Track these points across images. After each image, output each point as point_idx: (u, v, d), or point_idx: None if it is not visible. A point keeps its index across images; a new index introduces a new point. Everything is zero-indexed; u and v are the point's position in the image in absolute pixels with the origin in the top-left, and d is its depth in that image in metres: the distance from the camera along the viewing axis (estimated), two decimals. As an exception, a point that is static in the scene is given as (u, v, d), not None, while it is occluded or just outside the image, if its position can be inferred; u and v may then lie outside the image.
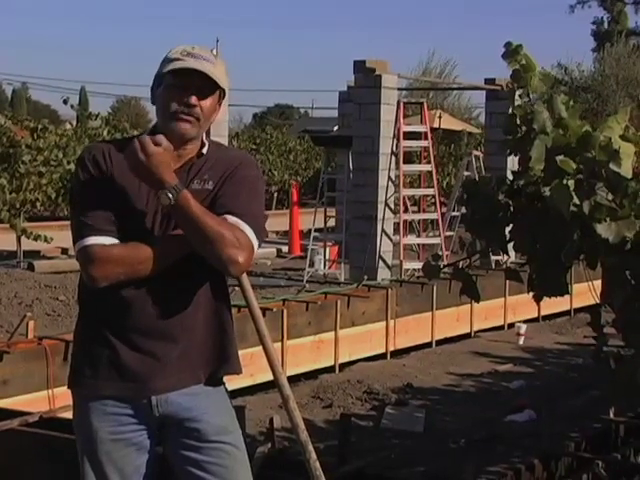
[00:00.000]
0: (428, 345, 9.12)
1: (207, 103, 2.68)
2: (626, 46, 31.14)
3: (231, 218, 2.61)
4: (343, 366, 8.14)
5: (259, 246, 2.67)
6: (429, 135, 12.43)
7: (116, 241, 2.62)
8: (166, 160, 2.60)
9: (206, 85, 2.66)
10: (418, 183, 13.81)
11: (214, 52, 2.79)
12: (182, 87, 2.65)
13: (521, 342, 9.47)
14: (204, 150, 2.74)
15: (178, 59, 2.66)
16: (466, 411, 6.86)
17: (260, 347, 2.83)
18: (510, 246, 3.62)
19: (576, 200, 3.21)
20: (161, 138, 2.61)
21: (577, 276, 3.95)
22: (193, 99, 2.65)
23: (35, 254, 14.01)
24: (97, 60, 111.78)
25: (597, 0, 42.51)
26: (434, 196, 12.69)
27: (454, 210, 13.77)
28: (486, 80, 13.73)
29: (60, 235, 12.85)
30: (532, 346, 9.38)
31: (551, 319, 10.77)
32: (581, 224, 3.25)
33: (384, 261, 11.62)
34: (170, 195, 2.57)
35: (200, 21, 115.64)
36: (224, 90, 2.73)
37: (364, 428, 6.27)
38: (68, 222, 2.78)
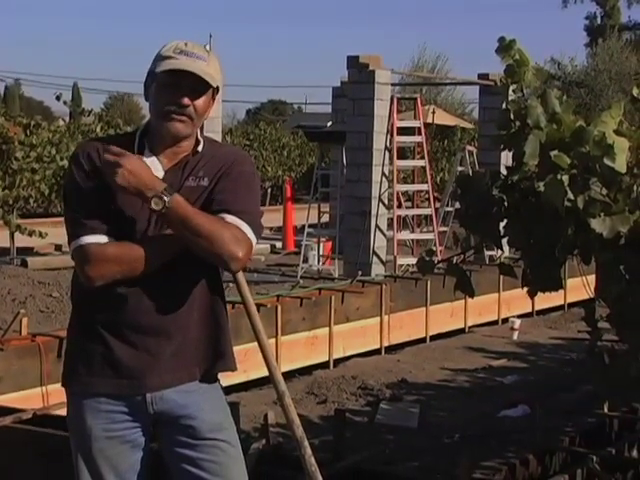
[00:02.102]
0: (422, 340, 9.13)
1: (200, 102, 2.66)
2: (619, 41, 31.20)
3: (228, 217, 2.60)
4: (337, 362, 8.14)
5: (257, 242, 2.67)
6: (423, 130, 12.43)
7: (111, 239, 2.61)
8: (139, 167, 2.58)
9: (199, 84, 2.64)
10: (412, 178, 13.81)
11: (207, 48, 2.77)
12: (175, 87, 2.63)
13: (515, 337, 9.48)
14: (199, 147, 2.72)
15: (171, 57, 2.63)
16: (460, 406, 6.86)
17: (254, 343, 2.82)
18: (504, 241, 3.62)
19: (570, 195, 3.21)
20: (114, 149, 2.59)
21: (571, 271, 3.95)
22: (185, 100, 2.63)
23: (28, 251, 13.98)
24: (90, 56, 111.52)
25: (590, -5, 42.55)
26: (428, 191, 12.70)
27: (448, 205, 13.77)
28: (479, 75, 13.73)
29: (53, 231, 12.84)
30: (526, 341, 9.39)
31: (545, 314, 10.79)
32: (575, 219, 3.25)
33: (378, 257, 11.62)
34: (160, 202, 2.55)
35: (193, 17, 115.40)
36: (218, 87, 2.72)
37: (358, 424, 6.27)
38: (61, 218, 2.77)
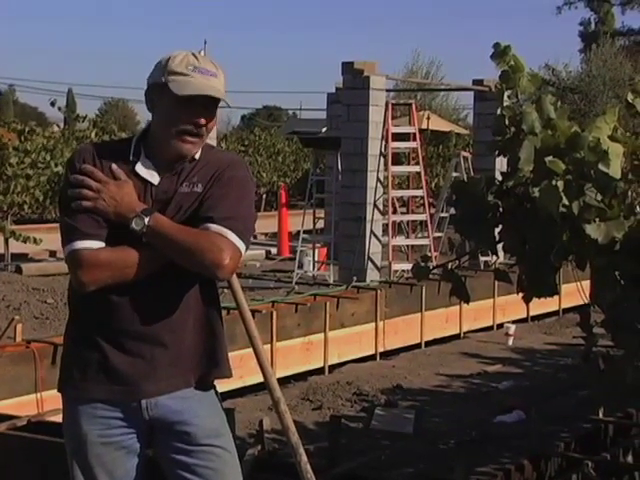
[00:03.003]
0: (417, 346, 9.13)
1: (213, 121, 2.68)
2: (613, 47, 31.22)
3: (212, 226, 2.60)
4: (333, 368, 8.14)
5: (247, 247, 2.66)
6: (417, 136, 12.45)
7: (104, 245, 2.62)
8: (119, 192, 2.60)
9: (215, 105, 2.66)
10: (407, 184, 13.83)
11: (205, 55, 2.75)
12: (191, 107, 2.62)
13: (510, 343, 9.48)
14: (197, 154, 2.73)
15: (184, 74, 2.61)
16: (455, 412, 6.86)
17: (250, 349, 2.82)
18: (499, 247, 3.63)
19: (565, 201, 3.21)
20: (98, 174, 2.61)
21: (566, 276, 3.96)
22: (202, 120, 2.64)
23: (23, 257, 13.97)
24: (84, 62, 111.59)
25: (584, 1, 42.59)
26: (423, 197, 12.70)
27: (443, 211, 13.78)
28: (474, 81, 13.75)
29: (48, 238, 12.81)
30: (521, 347, 9.39)
31: (540, 319, 10.79)
32: (570, 225, 3.25)
33: (373, 262, 11.62)
34: (140, 222, 2.58)
35: (187, 23, 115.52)
36: None
37: (354, 430, 6.26)
38: (56, 224, 2.77)
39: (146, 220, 2.58)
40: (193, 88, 2.60)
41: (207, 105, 2.64)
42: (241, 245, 2.62)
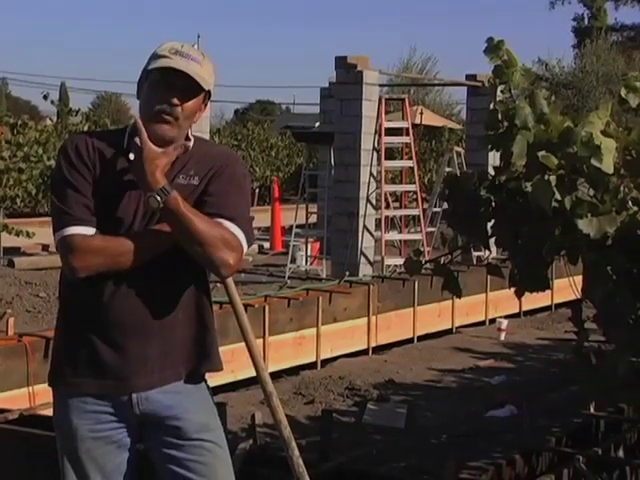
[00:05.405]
0: (410, 341, 9.14)
1: (190, 104, 2.65)
2: (606, 42, 31.27)
3: (225, 222, 2.60)
4: (325, 362, 8.14)
5: (248, 247, 2.67)
6: (410, 131, 12.45)
7: (97, 231, 2.60)
8: (154, 160, 2.57)
9: (191, 86, 2.63)
10: (400, 179, 13.84)
11: (201, 51, 2.75)
12: (166, 86, 2.62)
13: (502, 337, 9.50)
14: (189, 145, 2.72)
15: (165, 56, 2.63)
16: (447, 407, 6.87)
17: (242, 343, 2.82)
18: (491, 242, 3.63)
19: (558, 196, 3.21)
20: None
21: (558, 271, 3.96)
22: (175, 99, 2.62)
23: (15, 251, 13.94)
24: (78, 56, 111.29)
25: (577, -4, 42.59)
26: (416, 192, 12.71)
27: (435, 206, 13.79)
28: (467, 76, 13.75)
29: (40, 231, 12.79)
30: (513, 341, 9.41)
31: (532, 314, 10.82)
32: (563, 220, 3.26)
33: (366, 257, 11.63)
34: (158, 198, 2.54)
35: (181, 17, 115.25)
36: (210, 91, 2.71)
37: (345, 424, 6.27)
38: (49, 218, 2.75)
39: (172, 193, 2.54)
40: (166, 63, 2.61)
41: (183, 86, 2.62)
42: (245, 246, 2.64)
